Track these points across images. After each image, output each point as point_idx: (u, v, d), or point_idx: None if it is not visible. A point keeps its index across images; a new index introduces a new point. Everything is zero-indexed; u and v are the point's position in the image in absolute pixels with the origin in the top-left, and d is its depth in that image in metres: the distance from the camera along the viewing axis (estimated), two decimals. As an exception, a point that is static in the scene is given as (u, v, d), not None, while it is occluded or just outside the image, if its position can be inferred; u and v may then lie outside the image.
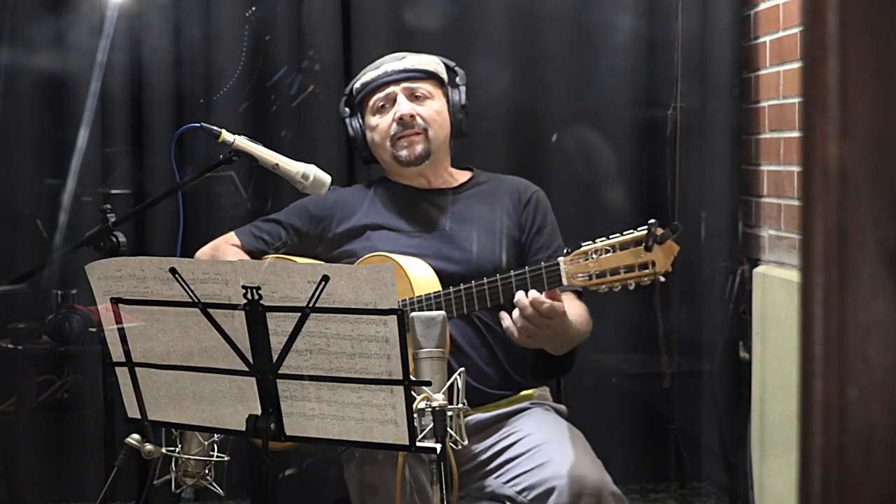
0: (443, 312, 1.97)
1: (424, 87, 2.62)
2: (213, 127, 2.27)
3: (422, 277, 2.41)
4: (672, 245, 2.12)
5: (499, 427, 2.45)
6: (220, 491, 2.02)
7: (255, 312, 1.73)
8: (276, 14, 3.53)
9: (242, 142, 2.26)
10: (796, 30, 3.24)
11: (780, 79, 3.35)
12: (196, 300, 1.75)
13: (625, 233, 2.15)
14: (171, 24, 3.49)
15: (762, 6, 3.48)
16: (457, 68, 2.70)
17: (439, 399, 1.82)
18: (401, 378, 1.70)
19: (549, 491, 2.24)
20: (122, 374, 1.88)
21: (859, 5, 0.65)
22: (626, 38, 3.61)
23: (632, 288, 2.16)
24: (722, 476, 3.66)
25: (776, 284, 3.15)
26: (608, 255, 2.15)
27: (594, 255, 2.17)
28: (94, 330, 3.10)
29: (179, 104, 3.55)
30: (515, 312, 2.25)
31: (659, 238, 2.11)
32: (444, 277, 2.43)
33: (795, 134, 3.25)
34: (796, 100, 3.22)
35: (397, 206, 2.64)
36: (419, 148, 2.59)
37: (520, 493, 2.30)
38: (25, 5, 3.49)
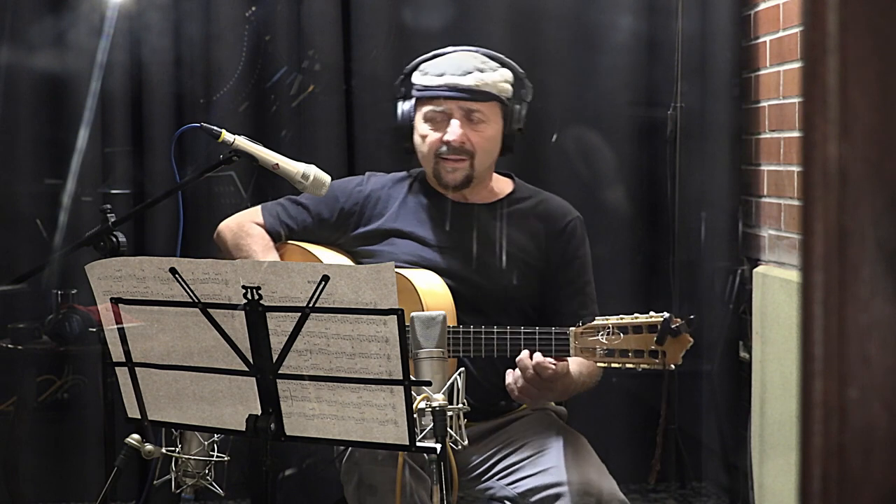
0: (443, 312, 1.97)
1: (483, 111, 2.46)
2: (213, 127, 2.26)
3: (431, 293, 2.36)
4: (686, 338, 2.12)
5: (502, 433, 2.45)
6: (220, 491, 2.02)
7: (255, 312, 1.73)
8: (276, 14, 3.53)
9: (242, 142, 2.26)
10: (796, 30, 3.24)
11: (780, 79, 3.35)
12: (196, 300, 1.75)
13: (640, 317, 2.13)
14: (171, 24, 3.49)
15: (762, 6, 3.48)
16: (526, 80, 2.54)
17: (439, 399, 1.82)
18: (401, 378, 1.70)
19: (555, 497, 2.23)
20: (122, 374, 1.88)
21: (859, 5, 0.65)
22: (626, 38, 3.61)
23: (639, 371, 2.16)
24: (722, 476, 3.66)
25: (776, 284, 3.15)
26: (620, 335, 2.14)
27: (605, 333, 2.15)
28: (94, 330, 3.10)
29: (179, 104, 3.55)
30: (517, 371, 2.21)
31: (672, 331, 2.10)
32: (457, 298, 2.40)
33: (795, 134, 3.25)
34: (796, 100, 3.22)
35: (429, 215, 2.55)
36: (461, 175, 2.48)
37: (523, 495, 2.29)
38: (25, 5, 3.49)
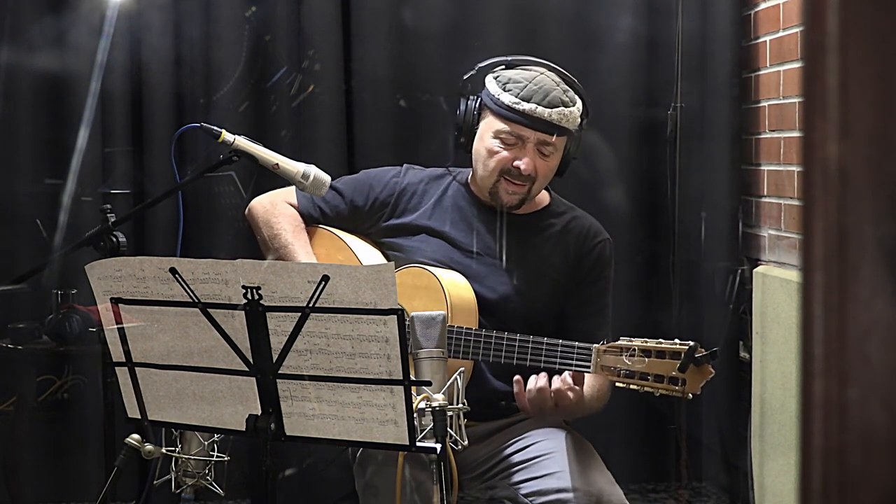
0: (442, 312, 1.97)
1: (555, 144, 2.46)
2: (213, 127, 2.26)
3: (458, 296, 2.37)
4: (708, 369, 2.12)
5: (506, 433, 2.45)
6: (220, 491, 2.02)
7: (255, 312, 1.73)
8: (276, 14, 3.53)
9: (242, 142, 2.26)
10: (796, 30, 3.24)
11: (780, 79, 3.35)
12: (196, 300, 1.75)
13: (665, 342, 2.14)
14: (171, 24, 3.49)
15: (762, 6, 3.48)
16: (590, 108, 2.54)
17: (439, 399, 1.82)
18: (401, 378, 1.70)
19: (561, 502, 2.23)
20: (122, 374, 1.88)
21: (859, 5, 0.65)
22: (626, 38, 3.61)
23: (657, 395, 2.17)
24: (722, 476, 3.66)
25: (776, 284, 3.15)
26: (643, 358, 2.15)
27: (629, 354, 2.16)
28: (94, 330, 3.10)
29: (179, 104, 3.55)
30: (532, 388, 2.23)
31: (696, 360, 2.11)
32: (484, 303, 2.41)
33: (795, 134, 3.25)
34: (796, 100, 3.22)
35: (463, 218, 2.55)
36: (518, 198, 2.48)
37: (527, 496, 2.29)
38: (25, 5, 3.49)
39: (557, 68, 2.52)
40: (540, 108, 2.40)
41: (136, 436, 1.98)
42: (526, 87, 2.43)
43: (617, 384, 2.20)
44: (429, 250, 2.49)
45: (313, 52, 3.53)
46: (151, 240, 3.53)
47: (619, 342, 2.17)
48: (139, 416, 1.89)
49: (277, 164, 2.28)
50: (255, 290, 1.71)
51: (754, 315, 3.31)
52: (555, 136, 2.43)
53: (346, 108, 3.59)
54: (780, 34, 3.35)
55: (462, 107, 2.51)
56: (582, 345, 2.22)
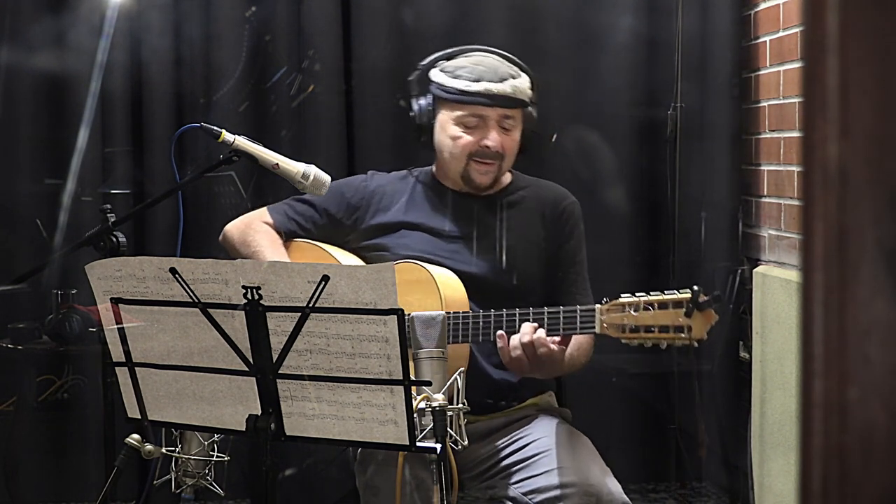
0: (442, 312, 1.97)
1: (514, 117, 2.53)
2: (213, 127, 2.26)
3: (451, 291, 2.38)
4: (711, 314, 2.13)
5: (505, 432, 2.45)
6: (220, 491, 2.02)
7: (255, 312, 1.73)
8: (276, 14, 3.53)
9: (242, 142, 2.26)
10: (796, 30, 3.24)
11: (780, 79, 3.35)
12: (196, 300, 1.75)
13: (667, 292, 2.15)
14: (171, 24, 3.50)
15: (762, 6, 3.48)
16: (538, 83, 2.59)
17: (439, 399, 1.82)
18: (401, 378, 1.70)
19: (559, 498, 2.24)
20: (122, 374, 1.88)
21: (859, 5, 0.65)
22: (626, 38, 3.61)
23: (664, 348, 2.17)
24: (722, 476, 3.66)
25: (776, 284, 3.15)
26: (646, 311, 2.15)
27: (632, 309, 2.16)
28: (94, 330, 3.10)
29: (179, 104, 3.55)
30: (515, 339, 2.24)
31: (700, 305, 2.11)
32: (474, 284, 2.42)
33: (795, 134, 3.25)
34: (796, 100, 3.22)
35: (437, 207, 2.60)
36: (492, 177, 2.54)
37: (526, 495, 2.30)
38: (25, 5, 3.49)
39: (494, 49, 2.59)
40: (493, 85, 2.48)
41: (136, 436, 1.98)
42: (474, 69, 2.50)
43: (623, 341, 2.19)
44: (412, 243, 2.53)
45: (313, 52, 3.53)
46: (151, 240, 3.53)
47: (621, 299, 2.18)
48: (139, 416, 1.89)
49: (277, 164, 2.28)
50: (255, 290, 1.71)
51: (754, 315, 3.31)
52: (513, 110, 2.51)
53: (346, 108, 3.59)
54: (780, 34, 3.35)
55: (415, 107, 2.58)
56: (584, 308, 2.23)
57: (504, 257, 2.53)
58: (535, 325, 2.24)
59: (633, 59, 3.63)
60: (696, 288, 2.13)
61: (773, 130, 3.40)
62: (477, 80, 2.48)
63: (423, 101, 2.57)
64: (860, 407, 0.66)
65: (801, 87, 0.68)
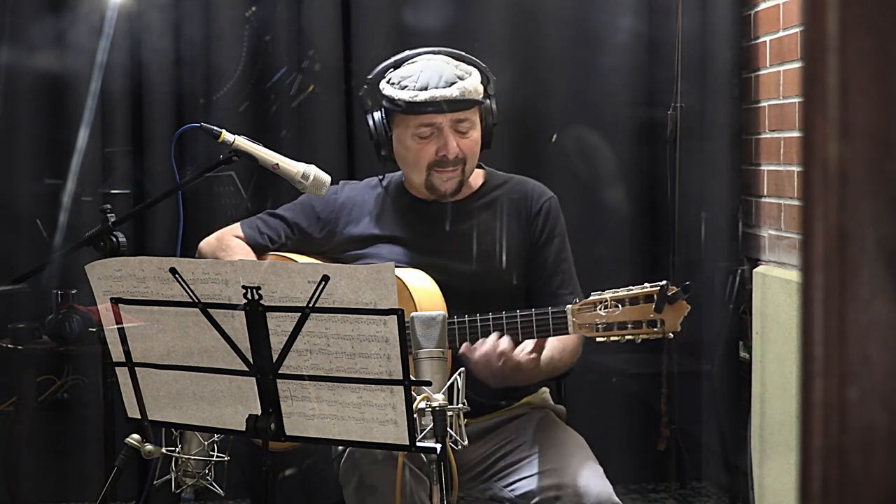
0: (442, 312, 1.97)
1: (469, 119, 2.46)
2: (213, 127, 2.26)
3: (423, 291, 2.35)
4: (683, 305, 2.12)
5: (500, 432, 2.45)
6: (220, 491, 2.02)
7: (255, 312, 1.73)
8: (276, 14, 3.53)
9: (242, 142, 2.26)
10: (796, 30, 3.24)
11: (780, 79, 3.35)
12: (196, 300, 1.75)
13: (635, 288, 2.13)
14: (171, 24, 3.50)
15: (762, 6, 3.48)
16: (489, 73, 2.53)
17: (439, 399, 1.82)
18: (401, 378, 1.70)
19: (553, 499, 2.23)
20: (122, 374, 1.88)
21: (859, 5, 0.65)
22: (626, 38, 3.61)
23: (638, 342, 2.16)
24: (722, 476, 3.66)
25: (776, 284, 3.15)
26: (617, 308, 2.13)
27: (603, 307, 2.14)
28: (94, 330, 3.10)
29: (179, 104, 3.55)
30: (475, 354, 2.21)
31: (670, 298, 2.10)
32: (452, 293, 2.37)
33: (795, 134, 3.25)
34: (796, 100, 3.22)
35: (409, 217, 2.55)
36: (455, 182, 2.48)
37: (520, 497, 2.30)
38: (25, 5, 3.49)
39: (441, 49, 2.52)
40: (439, 91, 2.40)
41: (136, 436, 1.98)
42: (419, 77, 2.44)
43: (597, 340, 2.18)
44: (387, 255, 2.49)
45: (313, 52, 3.53)
46: (151, 240, 3.53)
47: (591, 298, 2.16)
48: (139, 416, 1.89)
49: (277, 164, 2.28)
50: (255, 290, 1.71)
51: (754, 315, 3.31)
52: (465, 112, 2.44)
53: (346, 108, 3.59)
54: (780, 34, 3.35)
55: (371, 122, 2.53)
56: (555, 310, 2.20)
57: (481, 264, 2.48)
58: (497, 336, 2.21)
59: (633, 59, 3.63)
60: (664, 283, 2.12)
61: (773, 130, 3.40)
62: (423, 89, 2.41)
63: (377, 116, 2.52)
64: (860, 407, 0.66)
65: (801, 87, 0.68)
